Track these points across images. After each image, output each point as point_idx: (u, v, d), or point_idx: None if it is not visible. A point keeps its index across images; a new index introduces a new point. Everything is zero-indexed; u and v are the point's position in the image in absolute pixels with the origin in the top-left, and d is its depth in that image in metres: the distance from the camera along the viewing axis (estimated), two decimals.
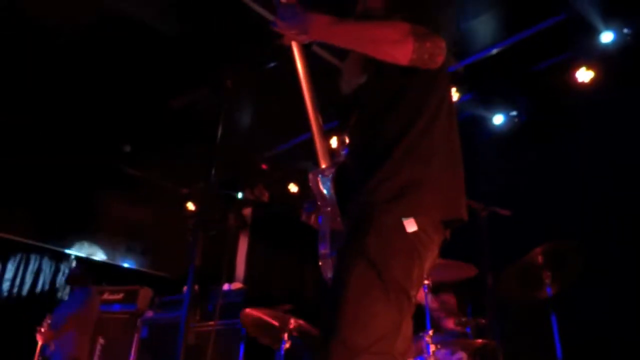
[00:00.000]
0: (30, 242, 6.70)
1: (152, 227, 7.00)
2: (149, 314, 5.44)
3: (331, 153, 1.75)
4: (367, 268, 1.44)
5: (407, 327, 1.53)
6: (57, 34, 4.58)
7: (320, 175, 1.70)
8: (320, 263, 1.70)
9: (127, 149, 6.32)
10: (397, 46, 1.51)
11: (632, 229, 3.94)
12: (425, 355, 3.07)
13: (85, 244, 7.08)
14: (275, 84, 4.94)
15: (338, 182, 1.67)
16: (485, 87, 4.94)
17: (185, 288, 5.45)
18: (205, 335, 4.73)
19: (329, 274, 1.66)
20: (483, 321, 3.40)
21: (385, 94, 1.63)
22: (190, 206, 7.01)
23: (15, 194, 6.08)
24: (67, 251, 7.00)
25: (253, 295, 5.23)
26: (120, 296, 5.63)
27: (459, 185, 1.62)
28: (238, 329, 4.74)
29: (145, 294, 5.61)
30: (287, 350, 3.68)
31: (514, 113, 4.98)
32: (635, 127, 4.12)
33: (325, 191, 1.69)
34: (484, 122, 5.11)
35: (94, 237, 7.12)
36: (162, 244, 7.19)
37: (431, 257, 1.57)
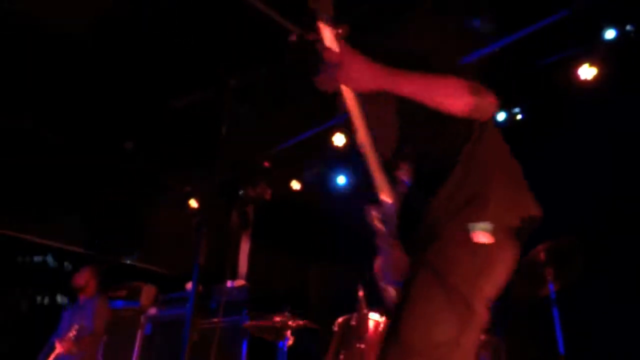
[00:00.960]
0: (33, 239, 6.72)
1: (154, 223, 7.01)
2: (153, 311, 5.47)
3: (391, 184, 1.76)
4: (431, 276, 1.46)
5: (468, 339, 1.48)
6: (63, 34, 4.59)
7: (382, 211, 1.73)
8: (384, 297, 1.76)
9: (130, 146, 6.33)
10: (457, 102, 1.57)
11: (634, 226, 3.94)
12: None
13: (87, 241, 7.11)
14: (278, 81, 4.97)
15: (402, 214, 1.70)
16: (487, 84, 4.93)
17: (187, 285, 5.51)
18: (208, 333, 4.75)
19: (390, 302, 1.71)
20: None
21: (435, 121, 1.65)
22: (193, 203, 7.02)
23: (17, 191, 6.11)
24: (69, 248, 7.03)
25: (255, 292, 5.24)
26: (123, 293, 5.65)
27: (523, 195, 1.66)
28: (241, 326, 4.75)
29: (149, 290, 5.64)
30: (290, 347, 3.70)
31: (516, 110, 4.97)
32: (638, 124, 4.11)
33: (386, 227, 1.72)
34: None
35: (95, 234, 7.14)
36: (163, 240, 7.20)
37: (504, 270, 1.55)
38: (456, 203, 1.53)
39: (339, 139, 5.65)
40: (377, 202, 1.75)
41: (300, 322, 3.70)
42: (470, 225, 1.48)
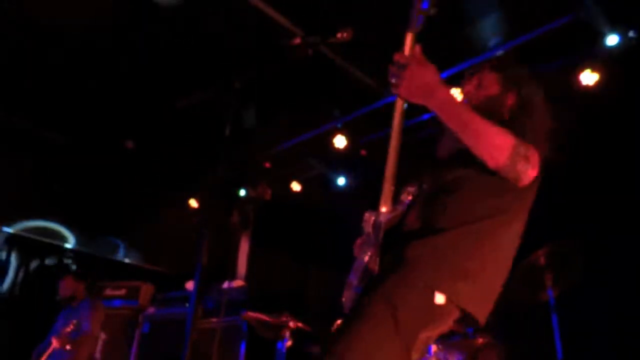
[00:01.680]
0: (32, 236, 6.72)
1: (153, 222, 7.02)
2: (151, 309, 5.46)
3: (394, 199, 1.76)
4: (385, 307, 1.52)
5: None
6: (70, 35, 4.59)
7: (375, 218, 1.73)
8: (344, 292, 1.80)
9: (130, 145, 6.33)
10: (495, 150, 1.56)
11: (634, 231, 3.94)
12: (427, 356, 3.08)
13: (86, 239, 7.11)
14: (280, 81, 4.97)
15: (389, 230, 1.72)
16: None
17: (186, 284, 5.50)
18: (206, 332, 4.75)
19: (348, 305, 1.76)
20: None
21: (471, 175, 1.67)
22: (193, 203, 7.02)
23: (17, 190, 6.12)
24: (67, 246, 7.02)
25: (254, 293, 5.25)
26: (122, 292, 5.65)
27: (493, 296, 1.69)
28: (239, 326, 4.75)
29: (147, 289, 5.64)
30: (289, 348, 3.70)
31: None
32: (638, 130, 4.12)
33: (374, 233, 1.74)
34: None
35: (94, 232, 7.14)
36: (162, 239, 7.20)
37: (438, 333, 1.63)
38: (438, 262, 1.58)
39: (340, 141, 5.65)
40: (375, 209, 1.76)
41: (299, 324, 3.70)
42: (437, 291, 1.55)
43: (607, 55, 4.31)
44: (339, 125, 5.64)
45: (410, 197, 1.86)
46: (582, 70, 4.43)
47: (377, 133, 5.73)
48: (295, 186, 6.51)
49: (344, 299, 1.79)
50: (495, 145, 1.56)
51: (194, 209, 6.98)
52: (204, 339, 4.59)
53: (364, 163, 6.08)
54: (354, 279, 1.77)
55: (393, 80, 1.61)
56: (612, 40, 4.26)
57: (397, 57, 1.61)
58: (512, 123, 1.67)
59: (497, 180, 1.62)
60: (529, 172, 1.60)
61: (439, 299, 1.53)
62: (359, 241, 1.91)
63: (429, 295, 1.54)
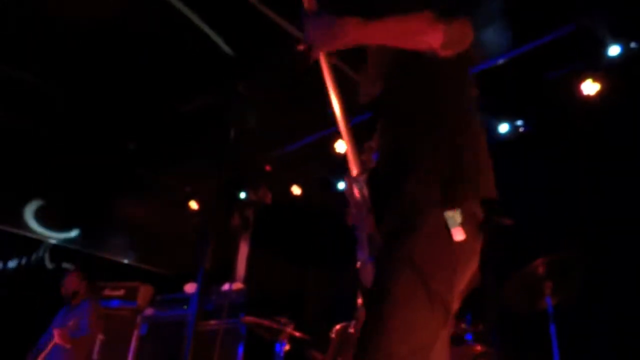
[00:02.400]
0: (34, 235, 6.72)
1: (152, 224, 7.02)
2: (149, 311, 5.46)
3: (362, 160, 1.75)
4: (412, 275, 1.42)
5: (443, 342, 1.52)
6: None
7: (354, 181, 1.69)
8: (358, 268, 1.67)
9: (132, 146, 6.35)
10: (429, 32, 1.57)
11: (634, 242, 3.95)
12: None
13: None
14: (280, 84, 4.99)
15: (370, 188, 1.67)
16: (491, 96, 4.96)
17: (185, 286, 5.50)
18: (205, 335, 4.74)
19: (368, 279, 1.61)
20: (480, 327, 3.42)
21: (410, 95, 1.67)
22: (193, 205, 7.02)
23: (17, 190, 6.12)
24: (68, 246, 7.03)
25: (253, 295, 5.24)
26: (120, 292, 5.64)
27: (489, 176, 1.63)
28: (238, 329, 4.75)
29: (145, 290, 5.63)
30: (287, 352, 3.71)
31: (519, 122, 5.00)
32: (639, 140, 4.13)
33: (359, 196, 1.68)
34: (489, 131, 5.13)
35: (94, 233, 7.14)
36: (161, 241, 7.20)
37: (472, 269, 1.56)
38: (432, 187, 1.50)
39: (341, 146, 5.67)
40: (349, 173, 1.73)
41: (297, 334, 3.71)
42: (449, 219, 1.46)
43: (608, 65, 4.33)
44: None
45: (374, 144, 1.79)
46: (583, 80, 4.45)
47: None
48: (296, 190, 6.51)
49: (360, 276, 1.66)
50: (425, 28, 1.57)
51: (194, 211, 6.99)
52: (202, 342, 4.59)
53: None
54: (362, 254, 1.66)
55: (307, 41, 1.64)
56: (614, 50, 4.29)
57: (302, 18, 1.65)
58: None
59: (432, 80, 1.63)
60: (465, 29, 1.61)
61: (458, 234, 1.45)
62: (351, 211, 1.79)
63: (447, 238, 1.45)
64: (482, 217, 1.55)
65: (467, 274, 1.54)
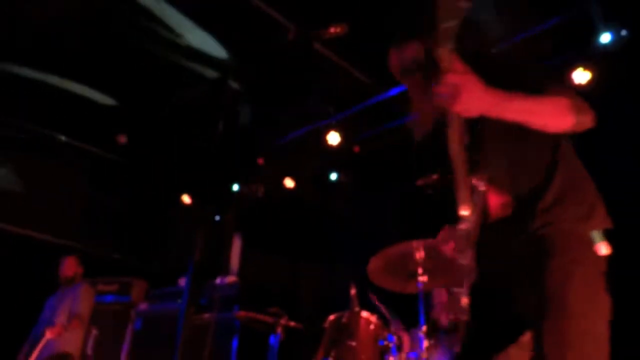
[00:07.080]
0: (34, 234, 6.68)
1: (144, 218, 6.99)
2: (143, 305, 5.45)
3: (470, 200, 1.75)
4: (589, 279, 1.62)
5: None
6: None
7: (460, 228, 1.74)
8: (449, 304, 1.80)
9: (123, 140, 6.31)
10: (561, 122, 1.61)
11: (630, 236, 3.96)
12: (419, 350, 3.09)
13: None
14: (274, 78, 4.97)
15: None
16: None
17: (179, 281, 5.49)
18: (199, 328, 4.74)
19: (472, 312, 1.75)
20: None
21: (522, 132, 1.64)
22: (186, 199, 7.01)
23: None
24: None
25: (246, 288, 5.24)
26: (114, 287, 5.62)
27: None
28: (232, 322, 4.75)
29: (139, 285, 5.62)
30: (281, 343, 3.71)
31: None
32: (630, 130, 4.14)
33: (465, 238, 1.74)
34: None
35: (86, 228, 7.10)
36: (155, 235, 7.18)
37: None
38: (566, 209, 1.63)
39: (333, 138, 5.66)
40: (454, 222, 1.76)
41: (291, 324, 3.70)
42: (594, 236, 1.63)
43: (599, 53, 4.33)
44: (333, 122, 5.65)
45: (482, 187, 1.76)
46: (574, 68, 4.45)
47: (371, 130, 5.74)
48: (289, 182, 6.50)
49: (456, 308, 1.79)
50: (559, 116, 1.60)
51: (187, 205, 6.97)
52: (196, 335, 4.58)
53: (357, 160, 6.09)
54: (459, 288, 1.76)
55: (444, 99, 1.51)
56: (605, 38, 4.28)
57: (448, 78, 1.49)
58: (525, 80, 1.65)
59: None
60: (591, 117, 1.66)
61: (603, 249, 1.64)
62: (450, 243, 1.86)
63: (596, 257, 1.62)
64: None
65: None
